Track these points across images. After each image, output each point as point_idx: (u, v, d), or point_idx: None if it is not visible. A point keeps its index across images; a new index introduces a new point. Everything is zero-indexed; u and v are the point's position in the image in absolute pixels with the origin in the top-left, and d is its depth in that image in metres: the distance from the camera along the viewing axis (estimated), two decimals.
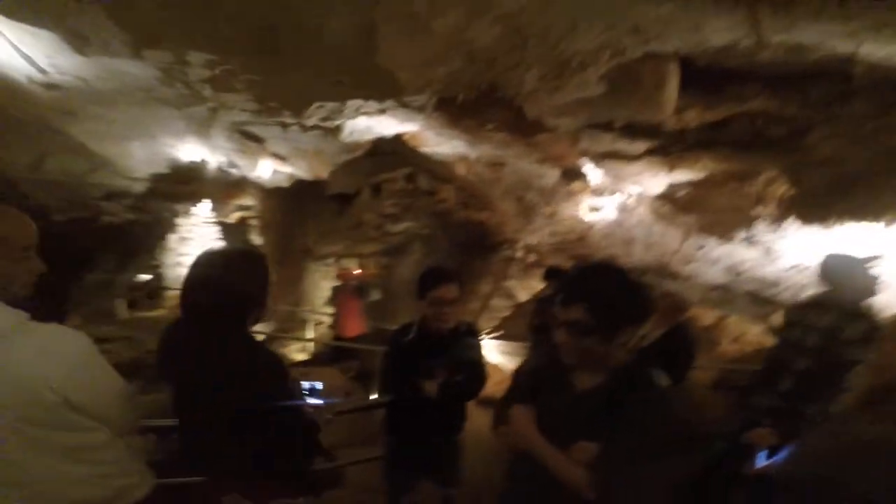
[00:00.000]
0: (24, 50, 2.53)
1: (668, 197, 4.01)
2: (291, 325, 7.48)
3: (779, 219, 3.33)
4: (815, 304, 2.06)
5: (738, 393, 2.55)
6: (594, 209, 4.67)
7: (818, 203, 3.08)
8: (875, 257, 2.32)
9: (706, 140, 3.41)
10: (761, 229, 3.49)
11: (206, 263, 1.11)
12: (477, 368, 1.86)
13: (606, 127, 3.55)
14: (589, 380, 1.09)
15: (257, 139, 4.50)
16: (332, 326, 7.92)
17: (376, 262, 7.63)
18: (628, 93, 2.96)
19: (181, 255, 7.49)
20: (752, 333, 4.72)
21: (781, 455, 1.92)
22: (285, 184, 5.96)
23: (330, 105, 3.30)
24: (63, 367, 0.89)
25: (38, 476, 0.93)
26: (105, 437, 1.00)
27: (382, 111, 3.43)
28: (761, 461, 1.93)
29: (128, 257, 6.83)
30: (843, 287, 1.95)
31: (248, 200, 7.75)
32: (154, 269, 7.69)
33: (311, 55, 2.50)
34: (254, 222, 8.22)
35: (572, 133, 3.71)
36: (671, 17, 2.31)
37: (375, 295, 7.64)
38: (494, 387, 2.27)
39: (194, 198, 6.68)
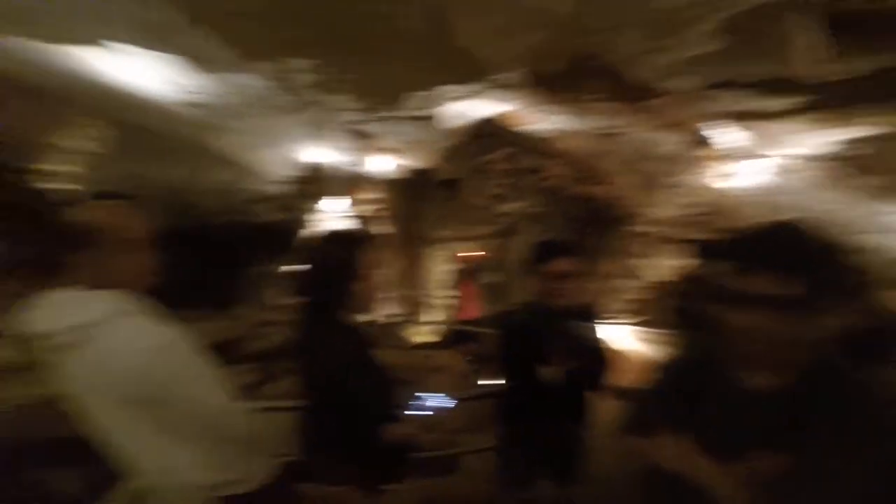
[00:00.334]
0: (164, 75, 2.96)
1: (833, 157, 3.21)
2: (414, 310, 7.88)
3: None
4: None
5: None
6: (730, 176, 3.90)
7: None
8: None
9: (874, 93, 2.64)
10: None
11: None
12: (598, 353, 1.64)
13: (735, 85, 3.00)
14: (766, 376, 0.85)
15: (367, 135, 4.76)
16: (452, 310, 8.26)
17: (489, 244, 7.60)
18: (754, 46, 2.47)
19: None
20: None
21: None
22: (400, 175, 6.24)
23: (419, 94, 3.29)
24: (142, 357, 0.93)
25: (148, 458, 1.03)
26: (196, 426, 1.04)
27: (472, 94, 3.33)
28: None
29: (277, 252, 7.92)
30: None
31: (370, 194, 8.33)
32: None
33: (388, 45, 2.48)
34: (377, 214, 8.83)
35: (691, 94, 3.14)
36: None
37: (491, 277, 7.64)
38: (625, 378, 1.98)
39: (323, 195, 7.39)
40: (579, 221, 6.21)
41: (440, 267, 8.10)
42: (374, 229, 8.73)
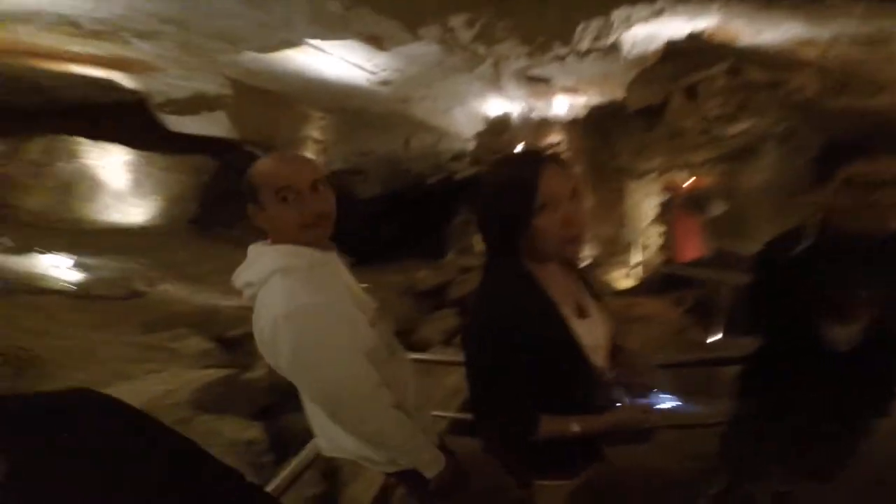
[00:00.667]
0: (352, 60, 3.36)
1: None
2: (614, 249, 7.30)
3: None
4: None
5: None
6: None
7: None
8: None
9: None
10: None
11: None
12: None
13: None
14: None
15: (544, 80, 4.47)
16: (662, 249, 7.05)
17: (713, 171, 6.26)
18: None
19: None
20: None
21: None
22: (584, 113, 5.73)
23: (595, 22, 2.86)
24: (269, 324, 0.84)
25: (317, 428, 1.01)
26: (326, 402, 0.93)
27: (658, 12, 2.70)
28: None
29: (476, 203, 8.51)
30: None
31: (555, 137, 7.94)
32: None
33: None
34: (564, 155, 8.40)
35: None
36: None
37: (718, 208, 6.39)
38: None
39: (511, 145, 7.40)
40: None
41: (647, 201, 7.13)
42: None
